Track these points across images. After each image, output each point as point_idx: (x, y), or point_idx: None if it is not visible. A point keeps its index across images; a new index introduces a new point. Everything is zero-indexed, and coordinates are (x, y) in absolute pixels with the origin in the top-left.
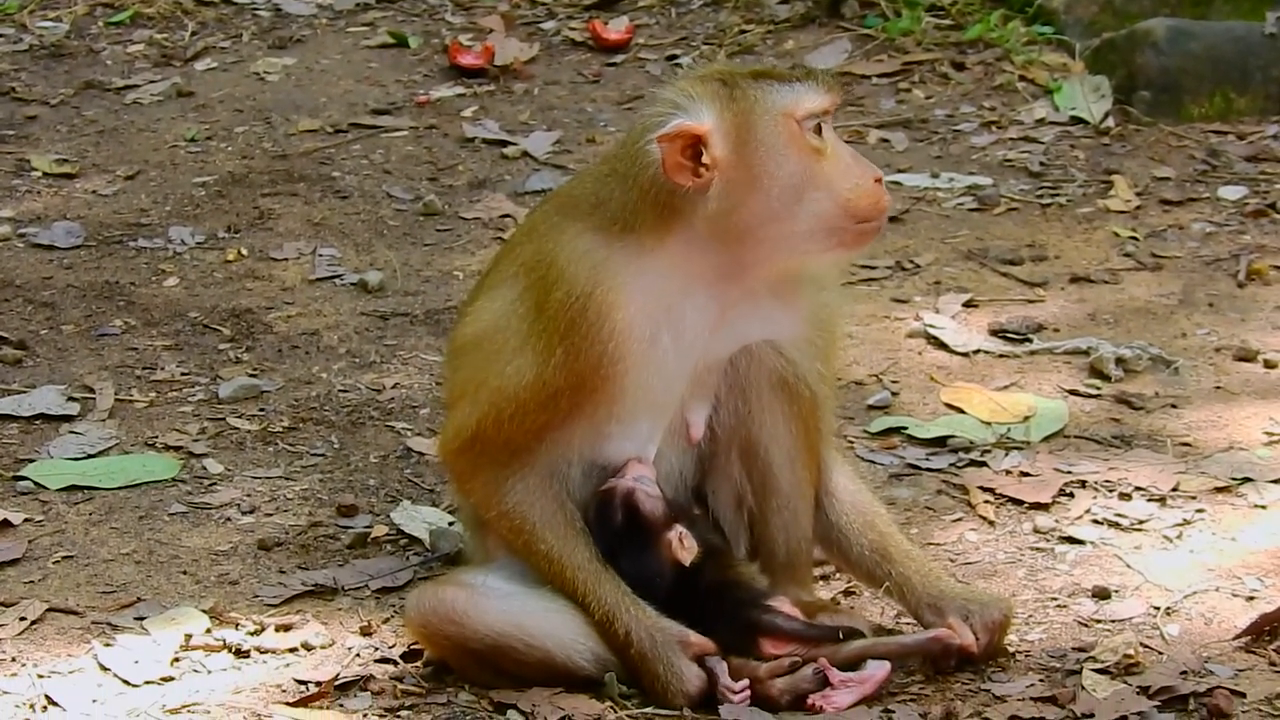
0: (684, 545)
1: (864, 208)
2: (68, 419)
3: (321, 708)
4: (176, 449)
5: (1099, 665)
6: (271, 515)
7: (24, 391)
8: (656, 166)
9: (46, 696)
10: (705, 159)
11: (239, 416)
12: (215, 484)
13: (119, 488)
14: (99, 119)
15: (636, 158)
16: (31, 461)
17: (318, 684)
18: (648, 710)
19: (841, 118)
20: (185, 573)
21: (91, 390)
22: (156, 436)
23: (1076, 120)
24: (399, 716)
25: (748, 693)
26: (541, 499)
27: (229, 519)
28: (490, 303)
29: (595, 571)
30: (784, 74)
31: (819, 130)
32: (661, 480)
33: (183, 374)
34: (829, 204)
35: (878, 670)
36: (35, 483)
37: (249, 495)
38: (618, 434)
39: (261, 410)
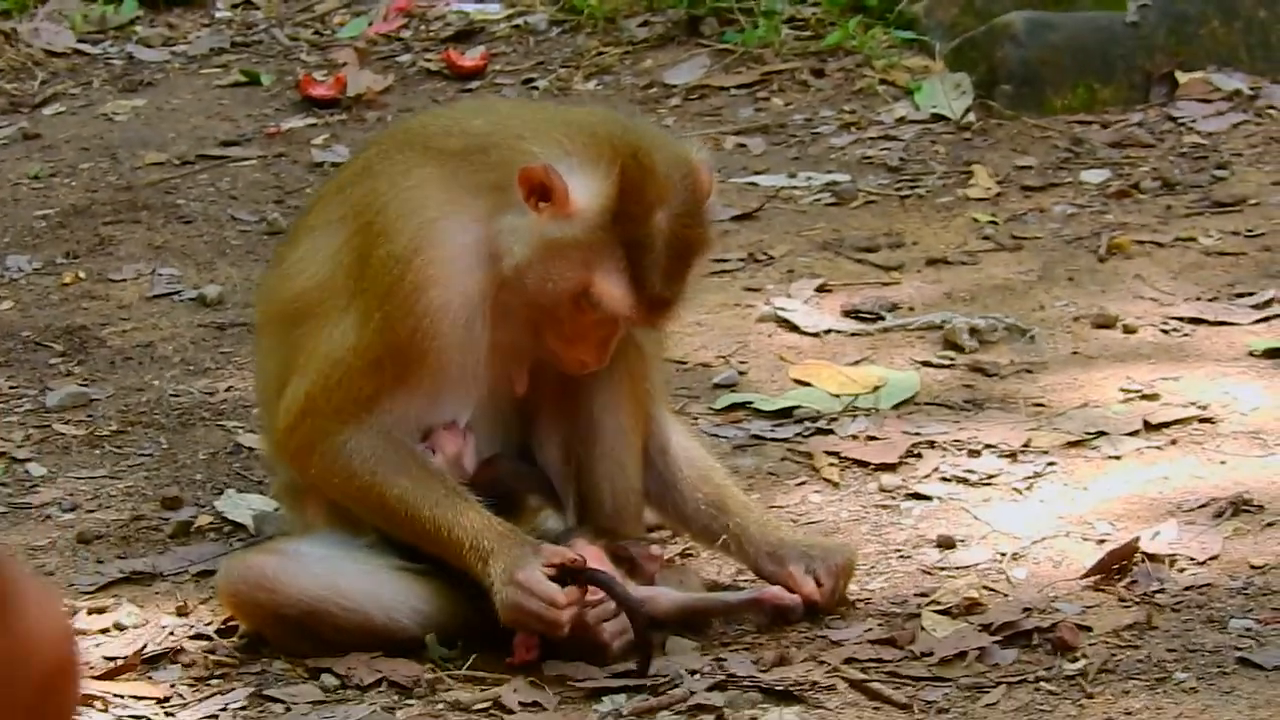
0: None
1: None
2: None
3: (128, 680)
4: None
5: (940, 607)
6: (94, 511)
7: None
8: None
9: None
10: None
11: (65, 423)
12: (37, 485)
13: None
14: None
15: (508, 152)
16: None
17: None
18: (468, 671)
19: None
20: None
21: None
22: None
23: (938, 118)
24: (210, 685)
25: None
26: (386, 450)
27: (49, 516)
28: (313, 252)
29: (454, 504)
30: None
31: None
32: (486, 437)
33: (11, 388)
34: (556, 346)
35: None
36: None
37: (71, 494)
38: (443, 398)
39: (89, 416)
